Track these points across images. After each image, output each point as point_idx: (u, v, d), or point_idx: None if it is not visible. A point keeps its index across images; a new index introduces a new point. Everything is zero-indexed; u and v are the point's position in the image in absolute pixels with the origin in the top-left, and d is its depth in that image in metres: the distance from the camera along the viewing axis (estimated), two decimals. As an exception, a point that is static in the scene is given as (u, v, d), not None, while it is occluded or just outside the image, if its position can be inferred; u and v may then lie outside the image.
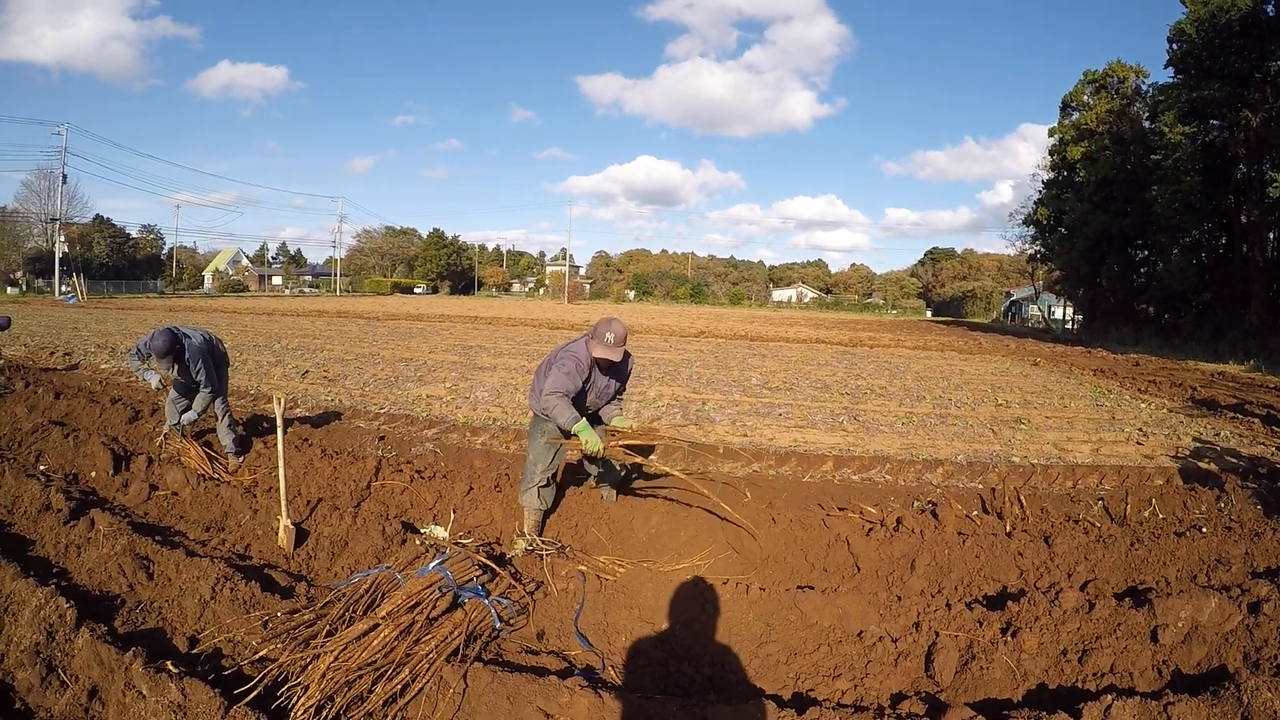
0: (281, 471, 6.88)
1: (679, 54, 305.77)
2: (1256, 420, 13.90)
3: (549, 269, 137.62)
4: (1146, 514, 7.92)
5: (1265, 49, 30.38)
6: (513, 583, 5.62)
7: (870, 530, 6.93)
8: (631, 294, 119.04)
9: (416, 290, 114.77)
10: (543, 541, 6.58)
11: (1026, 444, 11.33)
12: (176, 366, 8.57)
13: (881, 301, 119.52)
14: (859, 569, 6.53)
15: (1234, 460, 10.50)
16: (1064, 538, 6.64)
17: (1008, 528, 7.23)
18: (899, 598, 5.46)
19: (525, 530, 6.94)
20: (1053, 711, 3.90)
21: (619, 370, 6.84)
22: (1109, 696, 3.94)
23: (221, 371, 9.06)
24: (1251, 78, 31.76)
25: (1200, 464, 10.21)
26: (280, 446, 7.01)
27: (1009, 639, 4.87)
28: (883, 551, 6.61)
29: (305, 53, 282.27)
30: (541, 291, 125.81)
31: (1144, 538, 6.77)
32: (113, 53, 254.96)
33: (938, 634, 4.93)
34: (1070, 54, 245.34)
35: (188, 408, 8.89)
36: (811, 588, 5.83)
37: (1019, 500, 8.04)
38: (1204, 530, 7.10)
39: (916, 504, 8.10)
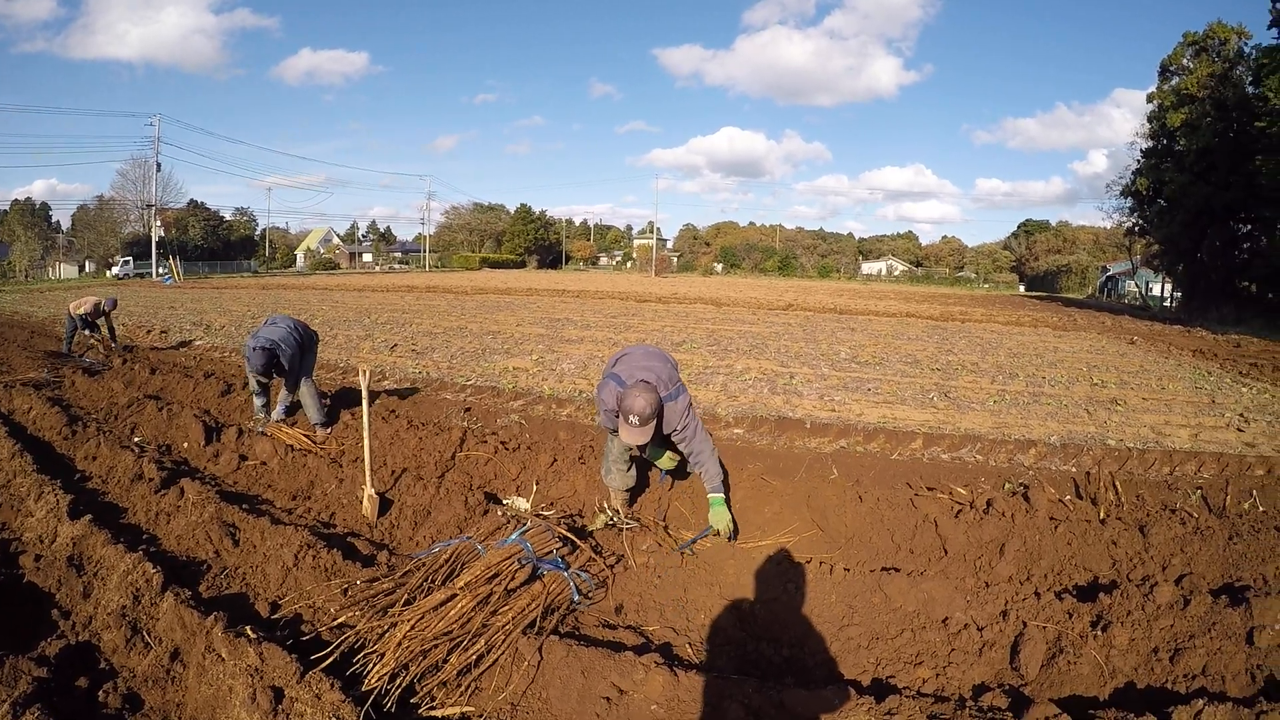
0: (366, 442, 6.96)
1: (757, 22, 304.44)
2: (1368, 409, 13.31)
3: (636, 242, 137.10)
4: (1246, 506, 7.63)
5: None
6: (593, 556, 5.62)
7: (959, 512, 6.76)
8: (719, 266, 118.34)
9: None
10: (625, 516, 6.56)
11: (1122, 426, 11.02)
12: (274, 371, 8.86)
13: (973, 275, 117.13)
14: (946, 552, 6.41)
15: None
16: (1160, 528, 6.42)
17: (1101, 514, 7.03)
18: (986, 584, 5.37)
19: (608, 505, 6.86)
20: (1140, 714, 3.77)
21: (667, 425, 6.06)
22: (1200, 700, 3.80)
23: (308, 357, 9.26)
24: (1365, 37, 30.13)
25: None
26: (365, 417, 7.09)
27: (1099, 633, 4.74)
28: (971, 535, 6.47)
29: (384, 37, 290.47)
30: (629, 265, 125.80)
31: (1243, 531, 6.50)
32: (195, 46, 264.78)
33: (1025, 624, 4.82)
34: (1168, 14, 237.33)
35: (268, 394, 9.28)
36: (897, 570, 5.75)
37: (1114, 486, 7.80)
38: (1308, 525, 6.84)
39: (1007, 486, 7.91)
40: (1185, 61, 47.84)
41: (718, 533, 6.06)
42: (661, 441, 6.41)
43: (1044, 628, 4.78)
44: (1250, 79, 41.84)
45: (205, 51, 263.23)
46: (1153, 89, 50.56)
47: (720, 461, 6.25)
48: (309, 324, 9.83)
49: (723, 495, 6.13)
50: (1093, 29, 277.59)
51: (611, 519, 6.50)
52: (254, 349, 8.55)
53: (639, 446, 6.20)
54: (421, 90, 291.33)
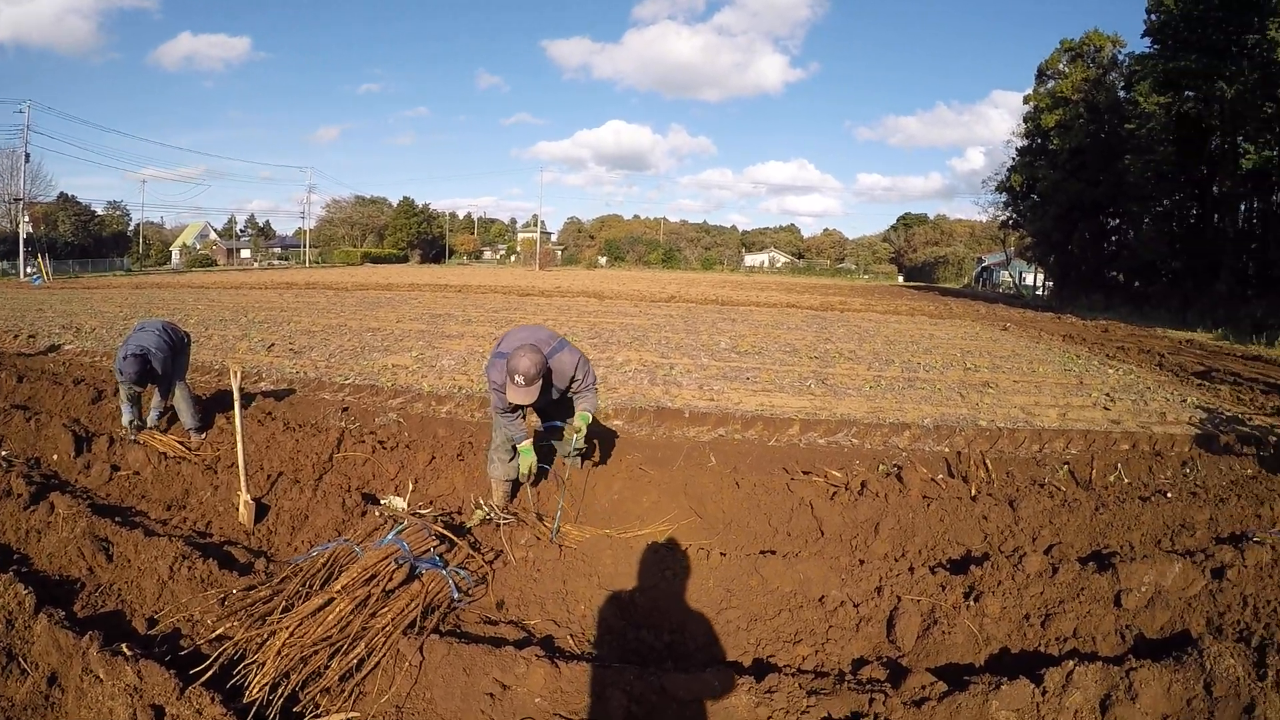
0: (240, 446, 6.76)
1: (646, 16, 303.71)
2: (1224, 387, 13.93)
3: (520, 236, 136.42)
4: (1112, 478, 7.92)
5: (1242, 21, 30.20)
6: (471, 552, 5.55)
7: (834, 494, 6.86)
8: (603, 260, 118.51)
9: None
10: (502, 511, 6.48)
11: (994, 408, 11.31)
12: (148, 379, 8.56)
13: (854, 266, 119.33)
14: (823, 533, 6.49)
15: (1210, 426, 10.53)
16: (1029, 501, 6.61)
17: (973, 491, 7.20)
18: (861, 562, 5.46)
19: (488, 501, 6.78)
20: (1014, 676, 3.86)
21: (560, 378, 6.37)
22: (1071, 661, 3.91)
23: (180, 360, 8.96)
24: (1228, 50, 31.67)
25: (1173, 428, 10.23)
26: (238, 420, 6.90)
27: (972, 603, 4.86)
28: (846, 515, 6.56)
29: (267, 21, 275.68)
30: (513, 259, 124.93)
31: (1109, 502, 6.75)
32: (70, 27, 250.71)
33: (900, 598, 4.91)
34: (1046, 21, 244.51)
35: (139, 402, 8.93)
36: (773, 552, 5.81)
37: (984, 464, 8.01)
38: (1169, 495, 7.11)
39: (882, 467, 8.06)
40: (1062, 66, 50.04)
41: (578, 429, 6.46)
42: (561, 409, 6.72)
43: (918, 601, 4.87)
44: (1122, 84, 44.03)
45: (80, 33, 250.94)
46: (1029, 91, 53.17)
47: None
48: (181, 325, 9.48)
49: (590, 413, 6.56)
50: (973, 33, 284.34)
51: (488, 514, 6.43)
52: (125, 358, 8.25)
53: (516, 431, 6.42)
54: (304, 78, 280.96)
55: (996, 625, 4.75)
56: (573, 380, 6.36)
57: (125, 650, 4.00)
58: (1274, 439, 9.55)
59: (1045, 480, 7.80)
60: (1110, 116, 43.37)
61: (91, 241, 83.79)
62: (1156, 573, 5.01)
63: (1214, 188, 36.54)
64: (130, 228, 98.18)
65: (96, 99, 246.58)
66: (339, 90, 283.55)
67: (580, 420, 6.47)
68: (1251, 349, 22.44)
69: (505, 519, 6.22)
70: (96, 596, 5.14)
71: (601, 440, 7.97)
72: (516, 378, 5.77)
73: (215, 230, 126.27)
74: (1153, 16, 36.16)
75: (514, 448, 6.57)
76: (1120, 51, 47.41)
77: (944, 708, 3.72)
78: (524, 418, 6.56)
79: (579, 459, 7.19)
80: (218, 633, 4.45)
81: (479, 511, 6.54)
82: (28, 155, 66.32)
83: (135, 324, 9.23)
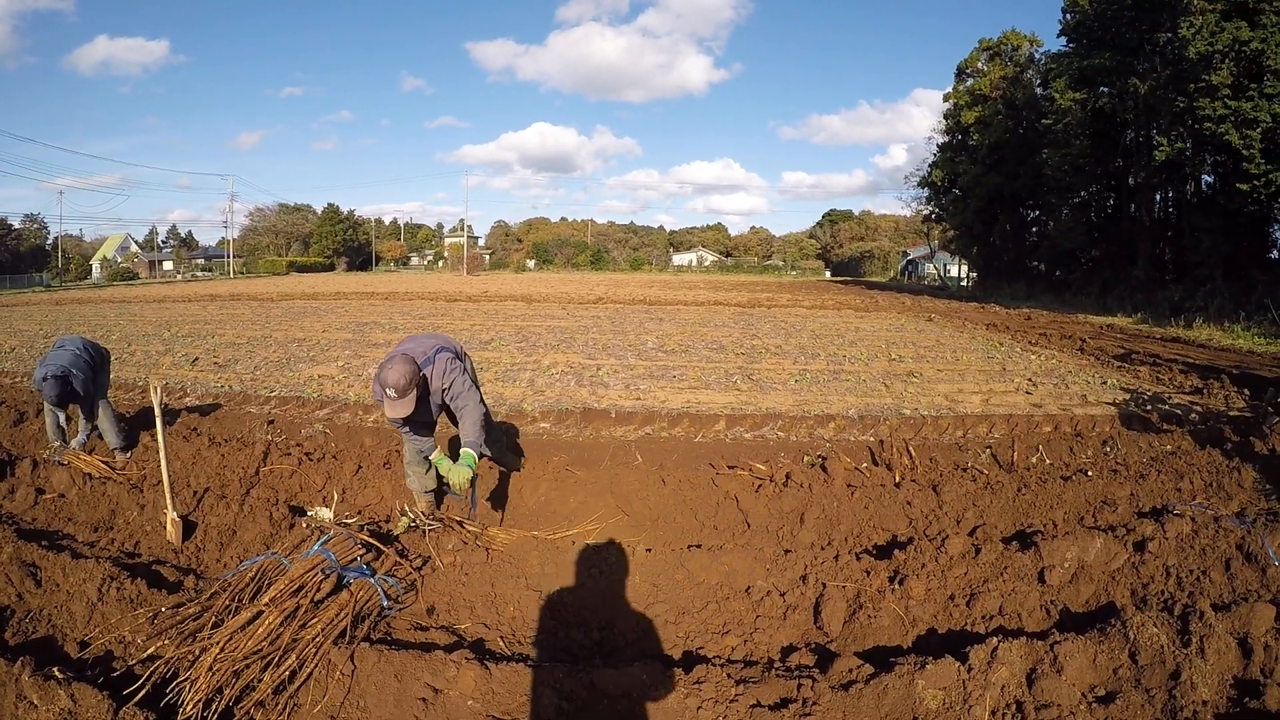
0: (164, 464, 6.65)
1: (570, 18, 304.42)
2: (1144, 369, 14.24)
3: (447, 241, 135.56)
4: (1034, 460, 8.04)
5: (1154, 20, 31.00)
6: (399, 560, 5.50)
7: (759, 487, 6.91)
8: (531, 263, 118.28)
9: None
10: (427, 517, 6.40)
11: (918, 397, 11.44)
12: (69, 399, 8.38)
13: (781, 263, 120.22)
14: (749, 525, 6.54)
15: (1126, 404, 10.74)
16: (952, 486, 6.70)
17: (897, 478, 7.26)
18: (786, 552, 5.48)
19: (413, 509, 6.68)
20: (940, 655, 3.90)
21: (434, 392, 6.15)
22: (995, 639, 3.96)
23: (101, 377, 8.76)
24: (1141, 48, 32.54)
25: (1094, 410, 10.42)
26: (160, 437, 6.76)
27: (896, 587, 4.90)
28: (772, 507, 6.62)
29: (186, 24, 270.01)
30: (440, 264, 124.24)
31: (1031, 483, 6.86)
32: None
33: (825, 585, 4.94)
34: (965, 20, 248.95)
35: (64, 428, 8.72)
36: (699, 546, 5.80)
37: (908, 451, 8.08)
38: (1090, 474, 7.22)
39: (806, 459, 8.10)
40: (980, 65, 51.37)
41: (453, 485, 6.14)
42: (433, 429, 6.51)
43: (843, 587, 4.91)
44: (1039, 82, 45.18)
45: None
46: (949, 89, 54.51)
47: (484, 425, 6.30)
48: (100, 342, 9.25)
49: (474, 453, 6.16)
50: (894, 33, 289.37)
51: (413, 521, 6.35)
52: (45, 379, 8.06)
53: (423, 443, 6.31)
54: (224, 83, 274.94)
55: (922, 607, 4.80)
56: (443, 394, 6.14)
57: (58, 674, 3.95)
58: (1194, 416, 9.77)
59: (969, 464, 7.90)
60: (1028, 112, 44.52)
61: (8, 257, 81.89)
62: (1079, 548, 5.09)
63: (1129, 179, 37.41)
64: (48, 241, 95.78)
65: (10, 106, 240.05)
66: (260, 95, 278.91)
67: (456, 474, 6.07)
68: (1170, 331, 22.98)
69: (431, 525, 6.14)
70: (27, 623, 5.06)
71: (526, 439, 7.90)
72: (388, 390, 5.65)
73: (136, 242, 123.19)
74: (1068, 16, 36.97)
75: (425, 459, 6.49)
76: (1037, 50, 48.92)
77: (871, 690, 3.75)
78: (430, 427, 6.42)
79: (502, 461, 7.13)
80: (149, 652, 4.39)
81: (404, 519, 6.45)
82: (-62, 167, 64.18)
83: (54, 341, 9.01)
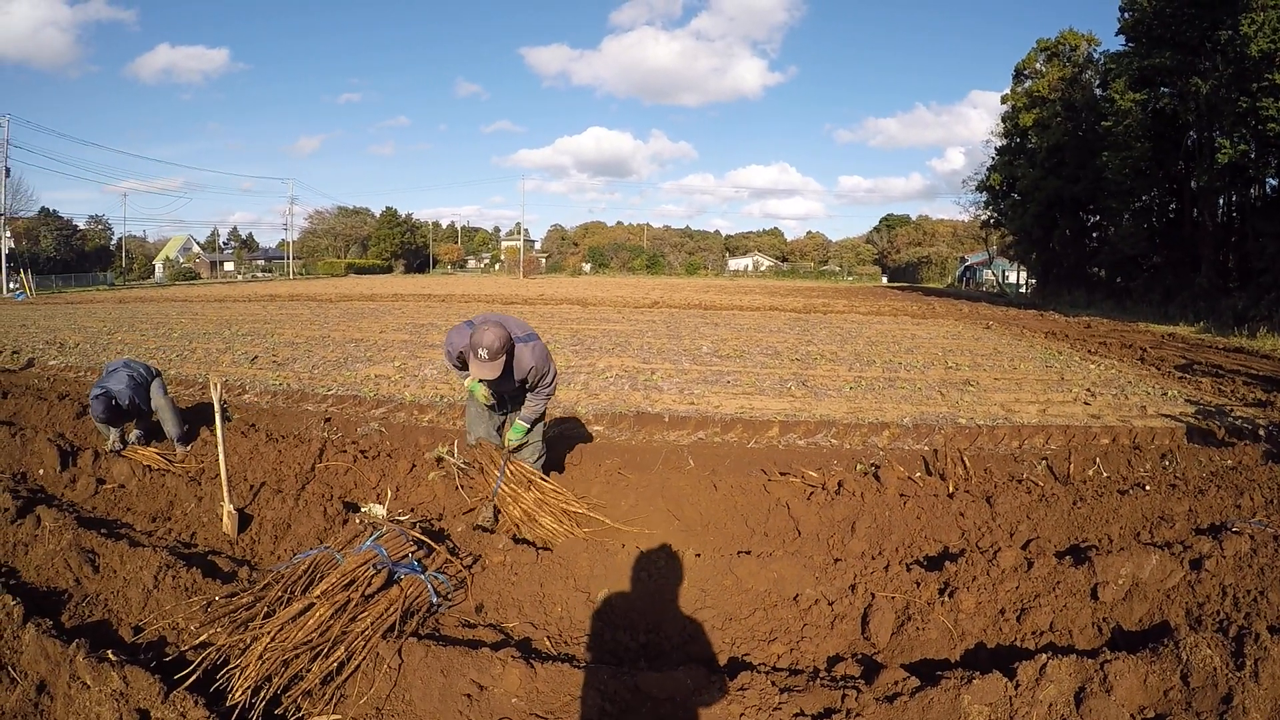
0: (222, 458, 6.77)
1: (624, 23, 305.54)
2: (1205, 380, 13.98)
3: (504, 244, 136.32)
4: (1090, 473, 7.93)
5: (1215, 17, 30.37)
6: (449, 557, 5.54)
7: (811, 494, 6.87)
8: (587, 266, 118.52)
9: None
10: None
11: (974, 406, 11.34)
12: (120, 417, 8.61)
13: (837, 268, 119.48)
14: (799, 533, 6.50)
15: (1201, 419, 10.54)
16: (1006, 497, 6.62)
17: (950, 488, 7.21)
18: (836, 560, 5.44)
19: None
20: (987, 670, 3.85)
21: (519, 369, 6.45)
22: (1044, 655, 3.90)
23: (142, 392, 8.89)
24: (1202, 46, 31.92)
25: (1153, 422, 10.25)
26: (219, 432, 6.91)
27: (946, 599, 4.85)
28: (823, 515, 6.58)
29: (245, 32, 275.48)
30: (497, 267, 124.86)
31: (1087, 496, 6.77)
32: (48, 40, 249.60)
33: (874, 596, 4.90)
34: (1022, 21, 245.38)
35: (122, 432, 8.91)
36: (749, 553, 5.78)
37: (962, 461, 8.01)
38: (1147, 488, 7.11)
39: (860, 467, 8.06)
40: (1038, 65, 50.59)
41: (510, 440, 6.65)
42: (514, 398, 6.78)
43: (892, 598, 4.87)
44: (1098, 82, 44.57)
45: (58, 46, 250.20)
46: (1007, 91, 53.65)
47: (540, 420, 6.88)
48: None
49: (526, 425, 6.68)
50: (950, 34, 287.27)
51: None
52: (94, 397, 8.32)
53: (495, 397, 6.63)
54: (283, 89, 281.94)
55: (971, 620, 4.75)
56: (529, 373, 6.41)
57: (111, 657, 4.02)
58: (1262, 430, 9.57)
59: (1023, 476, 7.82)
60: (1087, 114, 43.84)
61: (74, 256, 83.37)
62: (1134, 565, 4.99)
63: (1191, 182, 36.70)
64: (113, 242, 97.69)
65: (75, 112, 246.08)
66: (318, 100, 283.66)
67: (514, 432, 6.64)
68: (1233, 341, 22.62)
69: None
70: (83, 606, 5.16)
71: (580, 442, 7.95)
72: (481, 351, 5.90)
73: (198, 243, 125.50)
74: (1126, 14, 36.40)
75: (490, 410, 6.82)
76: (1095, 50, 48.06)
77: (916, 703, 3.72)
78: (499, 406, 6.78)
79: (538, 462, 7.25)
80: (201, 639, 4.46)
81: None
82: (8, 170, 65.83)
83: (104, 365, 9.30)
